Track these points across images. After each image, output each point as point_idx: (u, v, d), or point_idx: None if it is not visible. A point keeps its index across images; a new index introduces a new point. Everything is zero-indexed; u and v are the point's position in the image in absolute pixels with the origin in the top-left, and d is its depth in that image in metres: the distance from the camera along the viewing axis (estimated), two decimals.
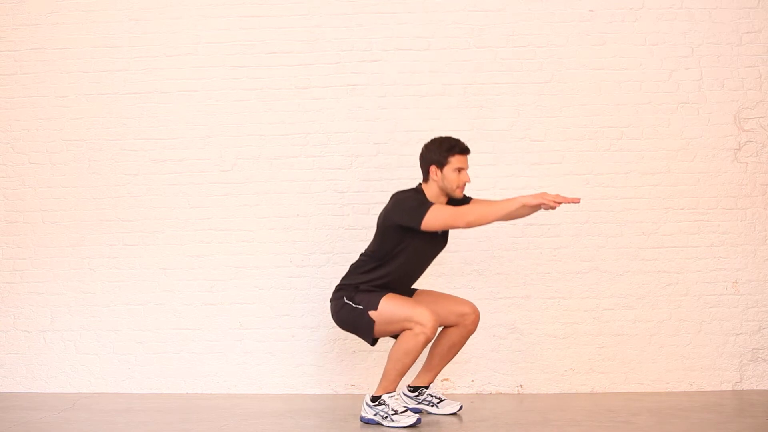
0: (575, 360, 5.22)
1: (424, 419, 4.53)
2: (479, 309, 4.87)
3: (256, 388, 5.29)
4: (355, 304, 4.47)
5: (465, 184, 4.52)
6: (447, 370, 5.18)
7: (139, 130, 5.36)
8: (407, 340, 4.36)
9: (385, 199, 4.72)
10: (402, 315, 4.37)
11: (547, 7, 5.28)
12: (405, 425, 4.36)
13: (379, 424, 4.41)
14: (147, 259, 5.34)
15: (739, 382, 5.20)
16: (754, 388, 5.20)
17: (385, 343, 4.89)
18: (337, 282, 4.69)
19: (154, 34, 5.35)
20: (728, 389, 5.19)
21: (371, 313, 4.41)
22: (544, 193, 4.24)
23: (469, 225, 4.33)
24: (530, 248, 5.25)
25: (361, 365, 5.23)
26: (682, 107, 5.25)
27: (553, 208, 4.24)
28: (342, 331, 5.22)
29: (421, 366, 4.77)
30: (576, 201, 4.24)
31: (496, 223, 5.20)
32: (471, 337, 5.10)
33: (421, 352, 4.38)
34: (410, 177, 5.00)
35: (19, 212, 5.39)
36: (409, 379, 4.89)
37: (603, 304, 5.23)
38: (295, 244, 5.30)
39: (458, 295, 5.17)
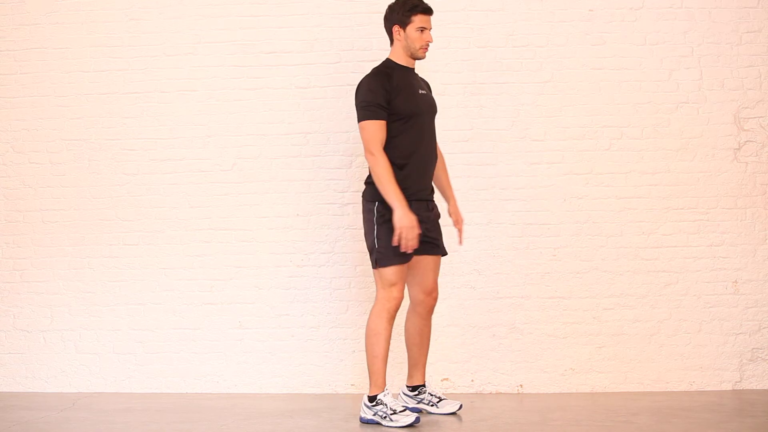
0: (575, 360, 5.22)
1: (423, 419, 4.53)
2: (480, 308, 4.88)
3: (256, 388, 5.29)
4: (377, 235, 4.46)
5: (428, 45, 4.55)
6: (447, 370, 5.18)
7: (139, 130, 5.36)
8: (372, 320, 4.43)
9: None
10: (387, 283, 4.42)
11: (547, 7, 5.28)
12: (404, 425, 4.36)
13: (378, 423, 4.41)
14: (147, 259, 5.34)
15: (739, 381, 5.20)
16: (754, 387, 5.20)
17: None
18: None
19: (154, 34, 5.35)
20: (728, 389, 5.19)
21: (379, 261, 4.43)
22: (409, 229, 4.32)
23: (368, 163, 4.43)
24: (530, 248, 5.25)
25: (361, 365, 5.23)
26: (682, 107, 5.25)
27: (401, 247, 4.34)
28: (342, 331, 5.25)
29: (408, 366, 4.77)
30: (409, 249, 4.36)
31: (495, 223, 5.22)
32: (470, 336, 5.11)
33: (389, 331, 4.42)
34: None
35: (19, 212, 5.40)
36: (405, 380, 4.89)
37: (603, 304, 5.23)
38: (295, 244, 5.31)
39: (458, 295, 5.20)
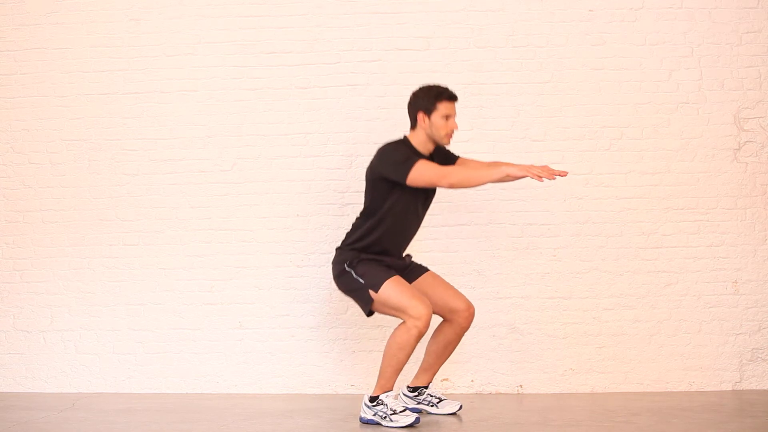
0: (575, 360, 5.22)
1: (423, 419, 4.53)
2: (480, 308, 4.88)
3: (256, 388, 5.29)
4: (356, 275, 4.45)
5: (453, 132, 4.51)
6: (446, 370, 5.18)
7: (139, 130, 5.36)
8: (400, 334, 4.36)
9: None
10: (399, 304, 4.35)
11: (547, 7, 5.28)
12: (404, 425, 4.36)
13: (378, 424, 4.41)
14: (147, 259, 5.34)
15: (739, 382, 5.20)
16: (754, 388, 5.20)
17: (383, 343, 4.90)
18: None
19: (154, 34, 5.35)
20: (728, 389, 5.19)
21: (371, 292, 4.40)
22: (531, 166, 4.22)
23: (452, 186, 4.34)
24: (530, 248, 5.25)
25: (361, 365, 5.23)
26: (682, 107, 5.25)
27: (540, 180, 4.20)
28: (342, 330, 5.25)
29: (418, 366, 4.76)
30: (563, 174, 4.22)
31: (495, 223, 5.23)
32: (470, 336, 5.10)
33: (414, 347, 4.37)
34: None
35: (19, 212, 5.40)
36: (407, 379, 4.89)
37: (603, 304, 5.23)
38: (295, 244, 5.31)
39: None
